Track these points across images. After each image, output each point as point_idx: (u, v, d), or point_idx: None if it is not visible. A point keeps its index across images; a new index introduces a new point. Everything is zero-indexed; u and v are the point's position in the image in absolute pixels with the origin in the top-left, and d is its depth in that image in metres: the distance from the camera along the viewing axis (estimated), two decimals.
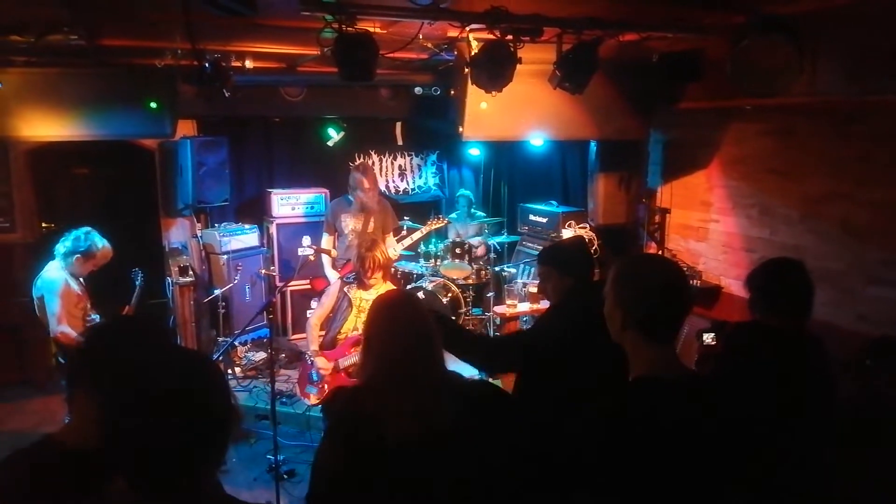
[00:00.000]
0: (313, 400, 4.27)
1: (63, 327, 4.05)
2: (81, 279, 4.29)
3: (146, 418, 1.21)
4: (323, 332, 4.20)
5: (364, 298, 4.05)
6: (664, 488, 1.58)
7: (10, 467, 1.63)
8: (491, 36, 3.74)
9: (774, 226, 4.79)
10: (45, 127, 4.86)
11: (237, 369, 6.05)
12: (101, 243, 4.24)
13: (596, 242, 5.84)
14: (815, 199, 4.45)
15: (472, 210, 7.45)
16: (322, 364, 4.03)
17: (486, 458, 1.83)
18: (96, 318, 4.30)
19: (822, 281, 4.16)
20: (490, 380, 5.27)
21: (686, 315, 1.73)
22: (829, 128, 4.32)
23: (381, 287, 4.03)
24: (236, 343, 5.98)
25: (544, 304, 4.68)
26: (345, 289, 4.13)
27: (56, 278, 4.11)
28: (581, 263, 2.91)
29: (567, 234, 5.89)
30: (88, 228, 4.27)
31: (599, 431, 1.63)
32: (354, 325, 4.05)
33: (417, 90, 5.84)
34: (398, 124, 7.68)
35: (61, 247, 4.17)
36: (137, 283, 4.73)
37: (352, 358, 3.97)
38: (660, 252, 5.60)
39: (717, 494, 1.64)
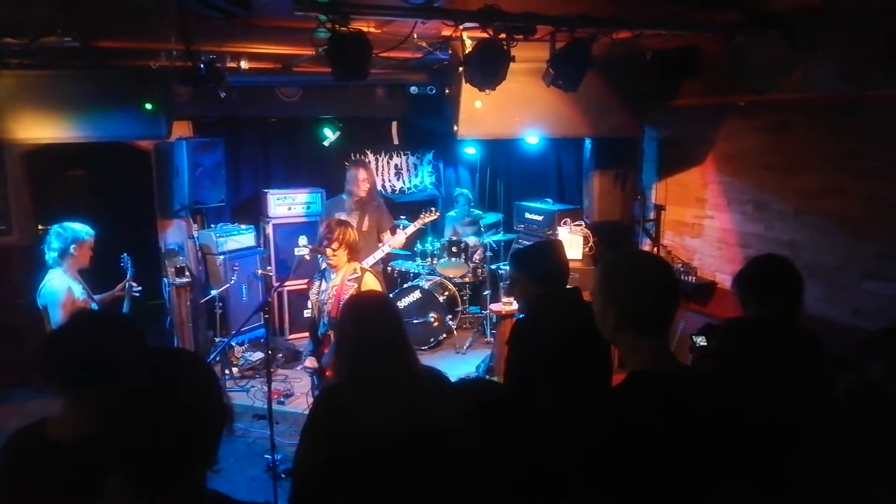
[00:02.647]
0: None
1: None
2: (83, 284, 4.20)
3: (135, 417, 1.22)
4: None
5: (322, 290, 4.04)
6: (661, 481, 1.58)
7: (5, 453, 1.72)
8: (484, 34, 3.75)
9: (769, 221, 4.80)
10: (40, 129, 4.85)
11: (234, 369, 6.05)
12: (80, 227, 4.16)
13: (591, 240, 5.86)
14: (810, 194, 4.46)
15: (471, 208, 7.47)
16: (310, 364, 4.07)
17: (477, 457, 1.84)
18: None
19: (817, 276, 4.22)
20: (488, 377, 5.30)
21: (677, 307, 1.74)
22: (823, 123, 4.33)
23: (343, 269, 4.00)
24: (233, 343, 5.99)
25: None
26: (311, 290, 4.15)
27: (58, 288, 4.00)
28: (554, 271, 2.80)
29: (562, 231, 5.90)
30: (61, 223, 4.17)
31: (596, 427, 1.63)
32: (321, 319, 4.05)
33: (413, 89, 5.84)
34: (394, 124, 7.68)
35: (52, 252, 4.06)
36: (128, 268, 4.63)
37: (327, 355, 3.95)
38: (655, 249, 5.61)
39: (712, 487, 1.65)
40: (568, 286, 2.89)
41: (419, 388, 1.99)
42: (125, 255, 4.68)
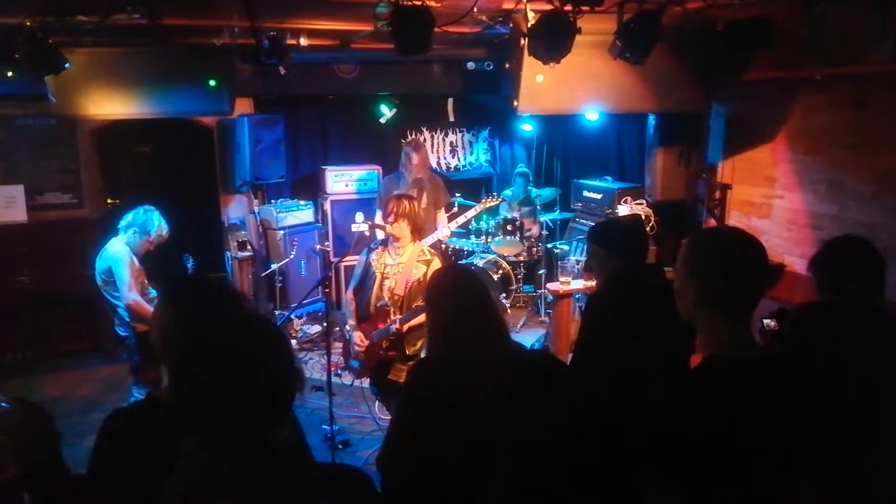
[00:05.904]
0: (356, 373, 4.32)
1: (134, 294, 4.22)
2: (137, 258, 4.43)
3: (212, 380, 1.24)
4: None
5: (388, 264, 3.98)
6: (735, 469, 1.53)
7: (118, 420, 1.74)
8: (547, 7, 3.65)
9: (844, 202, 4.57)
10: (110, 105, 5.00)
11: (293, 342, 6.20)
12: (157, 222, 4.41)
13: (653, 219, 5.71)
14: (890, 173, 4.22)
15: (529, 187, 7.37)
16: (358, 339, 4.05)
17: (552, 426, 1.84)
18: (154, 292, 4.43)
19: None
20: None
21: (764, 290, 1.64)
22: None
23: (409, 249, 3.96)
24: (292, 316, 6.12)
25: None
26: (370, 256, 4.09)
27: (121, 251, 4.30)
28: (632, 245, 2.77)
29: (623, 210, 5.77)
30: (149, 206, 4.43)
31: (670, 413, 1.58)
32: (380, 293, 4.00)
33: (470, 65, 5.77)
34: (450, 100, 7.63)
35: (123, 221, 4.38)
36: (186, 269, 4.82)
37: (385, 330, 3.93)
38: None
39: (788, 479, 1.59)
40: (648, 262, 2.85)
41: (506, 360, 1.99)
42: (188, 256, 4.84)
